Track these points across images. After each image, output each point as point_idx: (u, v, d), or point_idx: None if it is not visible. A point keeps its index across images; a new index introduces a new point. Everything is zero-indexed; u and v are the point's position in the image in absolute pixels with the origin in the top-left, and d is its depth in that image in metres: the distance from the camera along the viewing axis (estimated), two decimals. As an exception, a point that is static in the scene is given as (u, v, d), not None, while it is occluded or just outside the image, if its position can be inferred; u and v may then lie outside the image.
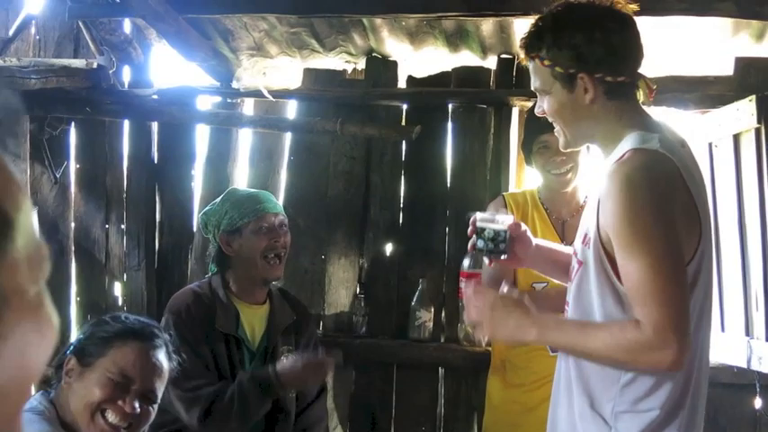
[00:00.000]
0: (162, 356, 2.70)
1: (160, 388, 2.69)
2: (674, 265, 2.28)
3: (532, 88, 2.57)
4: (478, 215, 2.70)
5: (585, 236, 2.45)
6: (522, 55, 2.55)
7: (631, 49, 2.48)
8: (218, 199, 3.81)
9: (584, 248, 2.46)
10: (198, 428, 3.46)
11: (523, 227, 2.73)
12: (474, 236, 2.68)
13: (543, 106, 2.55)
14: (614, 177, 2.32)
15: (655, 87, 2.53)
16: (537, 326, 2.43)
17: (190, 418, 3.47)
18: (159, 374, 2.68)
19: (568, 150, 2.71)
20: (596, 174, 2.60)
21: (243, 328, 3.69)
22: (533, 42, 2.49)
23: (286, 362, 3.50)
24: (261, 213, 3.68)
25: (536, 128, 3.69)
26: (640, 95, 2.50)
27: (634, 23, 2.48)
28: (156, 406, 2.68)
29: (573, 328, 2.42)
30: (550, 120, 2.58)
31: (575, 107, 2.47)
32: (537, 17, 2.53)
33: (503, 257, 2.69)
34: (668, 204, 2.33)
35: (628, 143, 2.39)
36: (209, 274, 3.85)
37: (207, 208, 3.84)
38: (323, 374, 3.69)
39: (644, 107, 2.52)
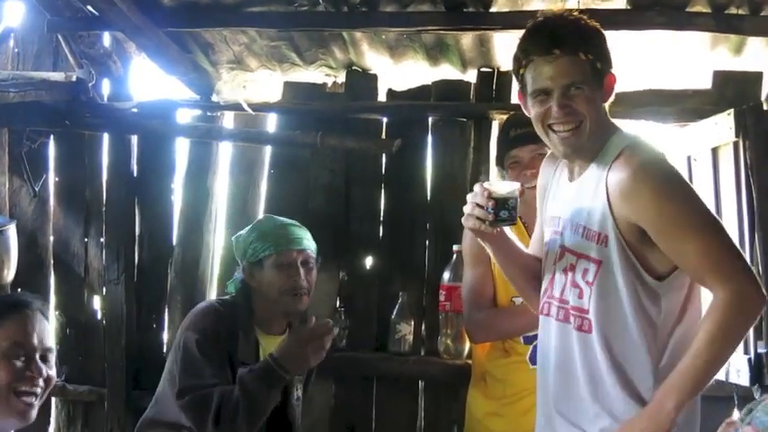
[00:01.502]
0: (42, 317, 2.66)
1: (53, 344, 2.68)
2: (727, 232, 2.49)
3: (565, 83, 2.55)
4: (489, 186, 2.66)
5: (599, 235, 2.54)
6: (557, 48, 2.55)
7: None
8: (251, 225, 3.73)
9: (599, 248, 2.54)
10: None
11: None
12: (492, 209, 2.63)
13: (571, 103, 2.57)
14: (631, 170, 2.46)
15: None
16: (667, 401, 2.43)
17: (200, 427, 3.35)
18: (48, 331, 2.67)
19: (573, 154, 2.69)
20: (582, 181, 2.66)
21: (260, 359, 3.57)
22: (576, 38, 2.57)
23: (282, 343, 3.34)
24: (282, 249, 3.57)
25: (506, 144, 3.69)
26: None
27: None
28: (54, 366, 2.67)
29: (691, 363, 2.40)
30: (578, 116, 2.57)
31: (599, 104, 2.61)
32: (559, 16, 2.63)
33: (514, 223, 2.70)
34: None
35: (616, 142, 2.57)
36: (231, 291, 3.72)
37: (238, 233, 3.74)
38: (323, 347, 3.34)
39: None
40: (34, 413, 2.57)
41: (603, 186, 2.53)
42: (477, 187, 2.68)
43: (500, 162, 3.76)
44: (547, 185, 2.90)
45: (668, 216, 2.41)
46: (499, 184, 2.70)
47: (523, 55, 2.61)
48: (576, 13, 2.65)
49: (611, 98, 2.65)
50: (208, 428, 3.30)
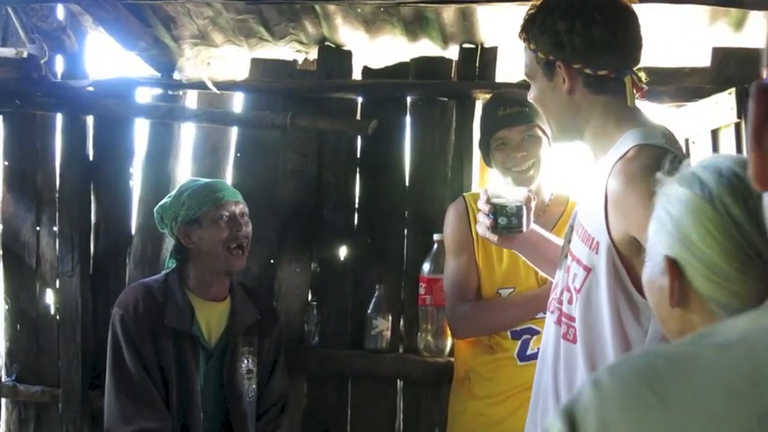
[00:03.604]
0: None
1: None
2: None
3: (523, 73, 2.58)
4: (490, 192, 2.69)
5: (593, 240, 2.36)
6: (520, 34, 2.54)
7: (616, 43, 2.42)
8: (174, 191, 3.70)
9: (591, 254, 2.37)
10: None
11: (532, 201, 2.72)
12: (491, 214, 2.66)
13: (531, 93, 2.58)
14: (626, 176, 2.26)
15: (644, 86, 2.49)
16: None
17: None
18: None
19: (555, 143, 2.66)
20: (594, 173, 2.49)
21: (198, 326, 3.60)
22: (525, 25, 2.51)
23: None
24: (221, 202, 3.61)
25: (492, 124, 3.54)
26: (627, 94, 2.44)
27: (629, 18, 2.46)
28: None
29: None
30: (537, 109, 2.61)
31: (555, 96, 2.48)
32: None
33: (520, 231, 2.68)
34: None
35: (629, 140, 2.34)
36: (166, 269, 3.76)
37: (162, 201, 3.72)
38: None
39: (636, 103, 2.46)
40: None
41: (604, 189, 2.34)
42: (481, 192, 2.71)
43: (485, 144, 3.60)
44: None
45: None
46: (505, 189, 2.70)
47: None
48: None
49: (567, 87, 2.44)
50: None
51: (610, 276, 2.32)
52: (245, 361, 3.66)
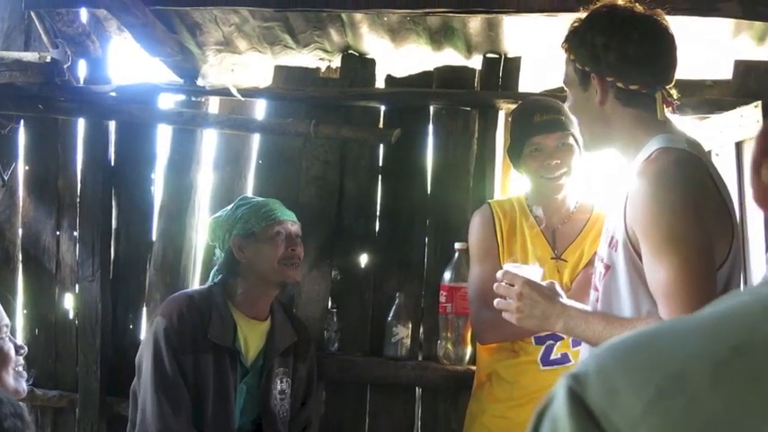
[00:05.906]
0: None
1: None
2: (705, 268, 2.25)
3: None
4: (507, 267, 2.72)
5: (613, 239, 2.44)
6: (562, 44, 2.62)
7: (650, 61, 2.49)
8: (230, 205, 3.73)
9: (610, 251, 2.44)
10: None
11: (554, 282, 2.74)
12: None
13: (567, 102, 2.67)
14: (644, 176, 2.32)
15: (675, 101, 2.53)
16: (564, 317, 2.49)
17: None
18: None
19: (587, 150, 2.72)
20: (622, 178, 2.56)
21: (239, 342, 3.59)
22: (569, 35, 2.58)
23: None
24: (279, 219, 3.66)
25: (527, 130, 3.51)
26: (657, 108, 2.49)
27: (665, 38, 2.51)
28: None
29: (598, 322, 2.40)
30: (573, 117, 2.70)
31: (587, 106, 2.55)
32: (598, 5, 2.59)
33: None
34: (701, 204, 2.30)
35: (654, 144, 2.40)
36: (210, 282, 3.73)
37: (217, 214, 3.77)
38: None
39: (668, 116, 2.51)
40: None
41: (626, 190, 2.43)
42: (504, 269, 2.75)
43: (517, 149, 3.56)
44: None
45: (653, 230, 2.28)
46: (521, 266, 2.75)
47: None
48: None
49: (598, 99, 2.51)
50: None
51: (629, 271, 2.38)
52: (280, 382, 3.67)
